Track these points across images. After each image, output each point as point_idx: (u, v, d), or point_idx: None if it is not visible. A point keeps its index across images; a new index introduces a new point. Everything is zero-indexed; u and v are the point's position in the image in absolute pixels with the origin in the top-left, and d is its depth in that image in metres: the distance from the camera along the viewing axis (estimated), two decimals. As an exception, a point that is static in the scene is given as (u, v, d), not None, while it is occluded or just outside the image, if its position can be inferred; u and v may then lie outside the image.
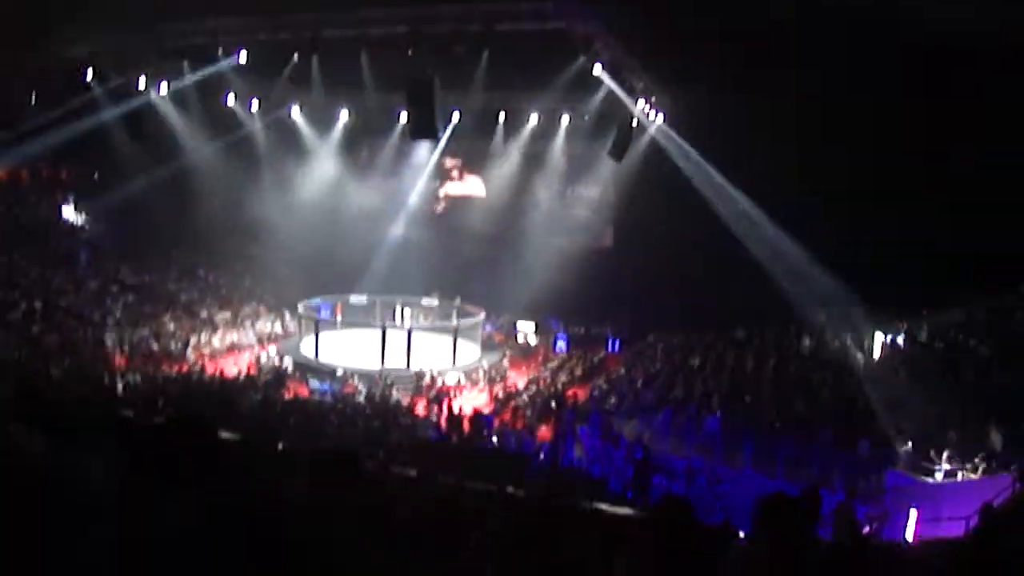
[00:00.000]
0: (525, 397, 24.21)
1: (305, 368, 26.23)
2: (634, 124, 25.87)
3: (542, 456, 17.61)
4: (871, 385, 19.71)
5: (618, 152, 25.66)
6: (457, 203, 35.94)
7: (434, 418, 22.06)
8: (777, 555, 4.13)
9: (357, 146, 33.81)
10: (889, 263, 23.48)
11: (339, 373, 25.41)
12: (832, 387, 20.56)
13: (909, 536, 11.53)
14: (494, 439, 19.10)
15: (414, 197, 34.66)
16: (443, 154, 33.83)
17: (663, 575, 3.40)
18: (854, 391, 19.83)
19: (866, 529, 11.31)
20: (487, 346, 29.72)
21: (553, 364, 28.57)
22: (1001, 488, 10.63)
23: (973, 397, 16.38)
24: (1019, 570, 5.45)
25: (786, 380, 22.20)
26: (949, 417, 15.64)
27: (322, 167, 33.25)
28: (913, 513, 12.29)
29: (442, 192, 35.86)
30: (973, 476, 13.11)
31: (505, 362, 28.28)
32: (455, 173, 35.53)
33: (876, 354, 23.51)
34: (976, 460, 13.54)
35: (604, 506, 11.54)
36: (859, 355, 23.04)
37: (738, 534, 7.69)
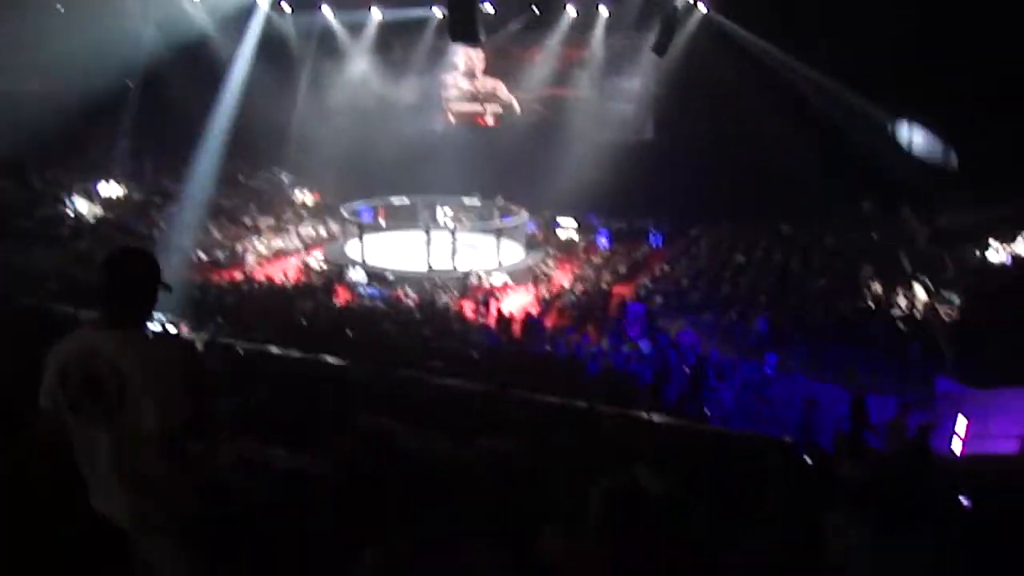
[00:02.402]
0: (571, 297, 24.49)
1: (356, 272, 26.45)
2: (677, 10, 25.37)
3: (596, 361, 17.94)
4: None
5: (661, 47, 24.95)
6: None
7: (482, 320, 22.44)
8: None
9: (390, 45, 33.06)
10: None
11: (390, 278, 25.71)
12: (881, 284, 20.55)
13: (956, 450, 11.44)
14: (546, 345, 19.46)
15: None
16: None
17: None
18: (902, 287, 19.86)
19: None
20: (530, 245, 29.72)
21: (596, 261, 28.69)
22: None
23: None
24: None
25: (833, 278, 22.20)
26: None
27: (354, 67, 32.71)
28: (962, 422, 11.85)
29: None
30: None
31: (549, 261, 28.39)
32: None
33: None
34: None
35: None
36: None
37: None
